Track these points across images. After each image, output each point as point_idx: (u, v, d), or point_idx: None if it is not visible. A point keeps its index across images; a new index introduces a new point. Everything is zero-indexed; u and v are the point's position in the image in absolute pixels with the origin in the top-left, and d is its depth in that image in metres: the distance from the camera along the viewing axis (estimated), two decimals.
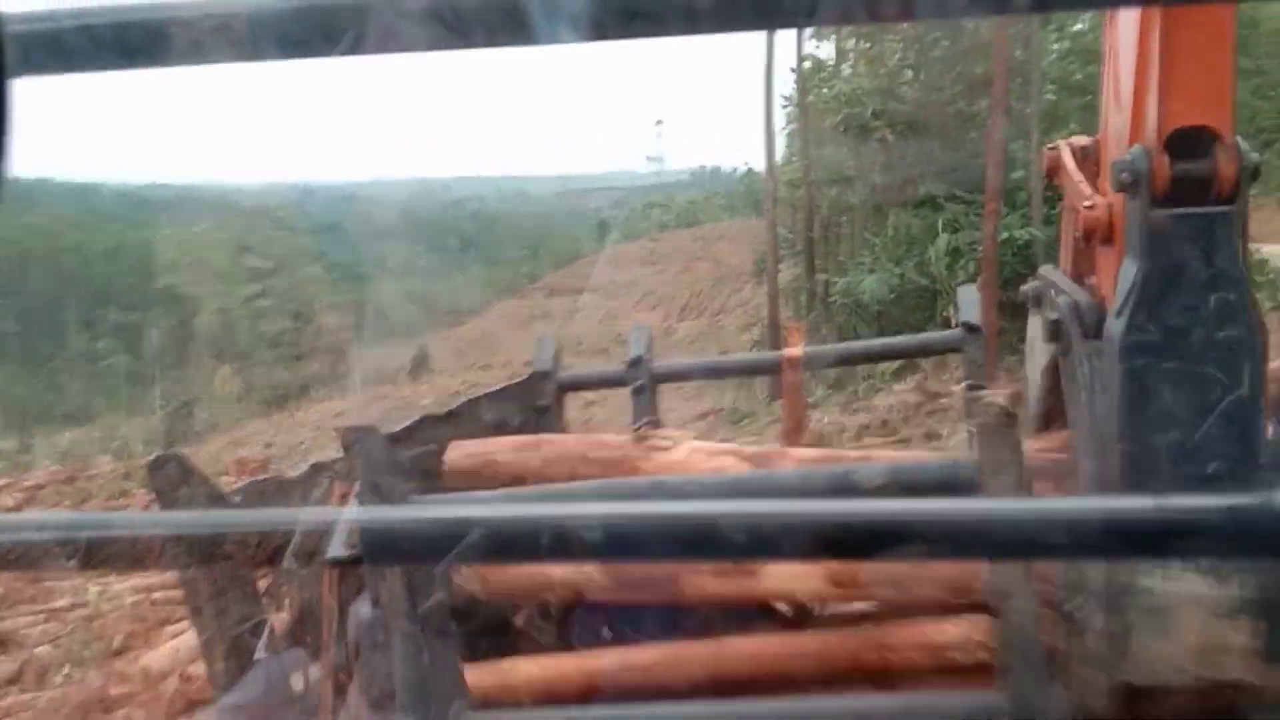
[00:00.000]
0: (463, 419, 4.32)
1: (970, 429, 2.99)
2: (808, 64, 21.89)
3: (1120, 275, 2.72)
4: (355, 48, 0.72)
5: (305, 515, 1.27)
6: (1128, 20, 2.87)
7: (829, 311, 20.20)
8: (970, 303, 5.82)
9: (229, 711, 3.19)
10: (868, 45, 20.71)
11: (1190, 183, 2.60)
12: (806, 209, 21.36)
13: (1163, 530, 0.83)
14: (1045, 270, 3.67)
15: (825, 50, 22.37)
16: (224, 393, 30.71)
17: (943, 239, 18.10)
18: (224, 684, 3.24)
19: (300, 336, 33.55)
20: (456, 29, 0.72)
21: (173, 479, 3.16)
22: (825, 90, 20.95)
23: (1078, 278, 3.33)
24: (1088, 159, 3.46)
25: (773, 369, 7.23)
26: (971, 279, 15.53)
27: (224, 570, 3.11)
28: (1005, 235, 16.85)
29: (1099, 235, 3.05)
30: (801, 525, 0.88)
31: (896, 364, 16.27)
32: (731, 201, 39.63)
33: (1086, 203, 3.16)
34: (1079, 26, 21.58)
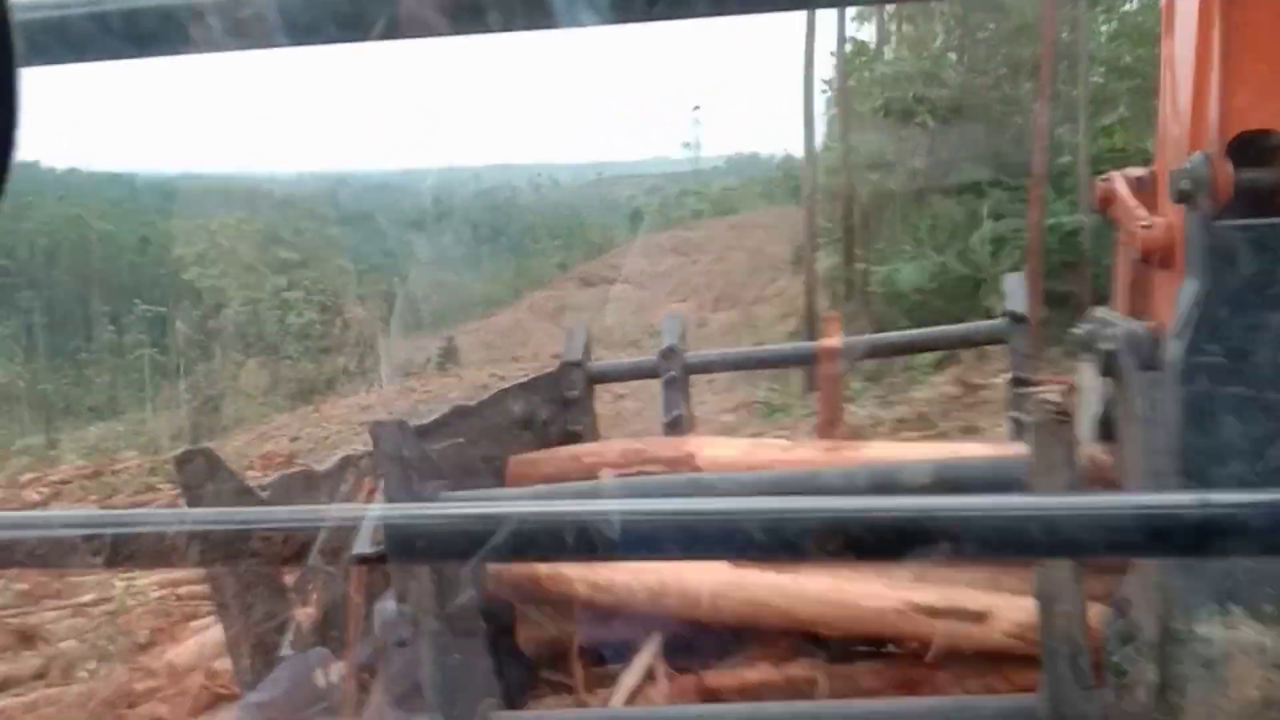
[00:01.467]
0: (491, 411, 4.33)
1: (1014, 420, 3.18)
2: (849, 47, 21.57)
3: (1179, 295, 2.54)
4: (373, 33, 0.72)
5: (331, 512, 1.25)
6: (1186, 17, 2.69)
7: (867, 301, 19.84)
8: (1016, 291, 5.74)
9: (254, 708, 3.17)
10: (910, 27, 20.31)
11: (1256, 192, 2.44)
12: (845, 196, 20.97)
13: (1206, 528, 0.82)
14: (1099, 312, 3.46)
15: (866, 32, 22.07)
16: (251, 386, 30.90)
17: (986, 226, 17.74)
18: (249, 680, 3.24)
19: (328, 329, 33.67)
20: (480, 14, 0.72)
21: (200, 474, 3.12)
22: (866, 74, 20.60)
23: (1134, 316, 3.17)
24: (1144, 190, 3.29)
25: (809, 360, 7.21)
26: (1015, 267, 15.12)
27: (250, 566, 3.05)
28: (1051, 222, 16.44)
29: (1157, 257, 2.91)
30: (828, 524, 0.87)
31: (935, 356, 16.00)
32: (768, 189, 39.27)
33: (1143, 222, 3.01)
34: (1129, 6, 21.10)
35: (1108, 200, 3.44)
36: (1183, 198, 2.50)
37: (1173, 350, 2.51)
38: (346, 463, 3.73)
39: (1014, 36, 19.04)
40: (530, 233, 42.24)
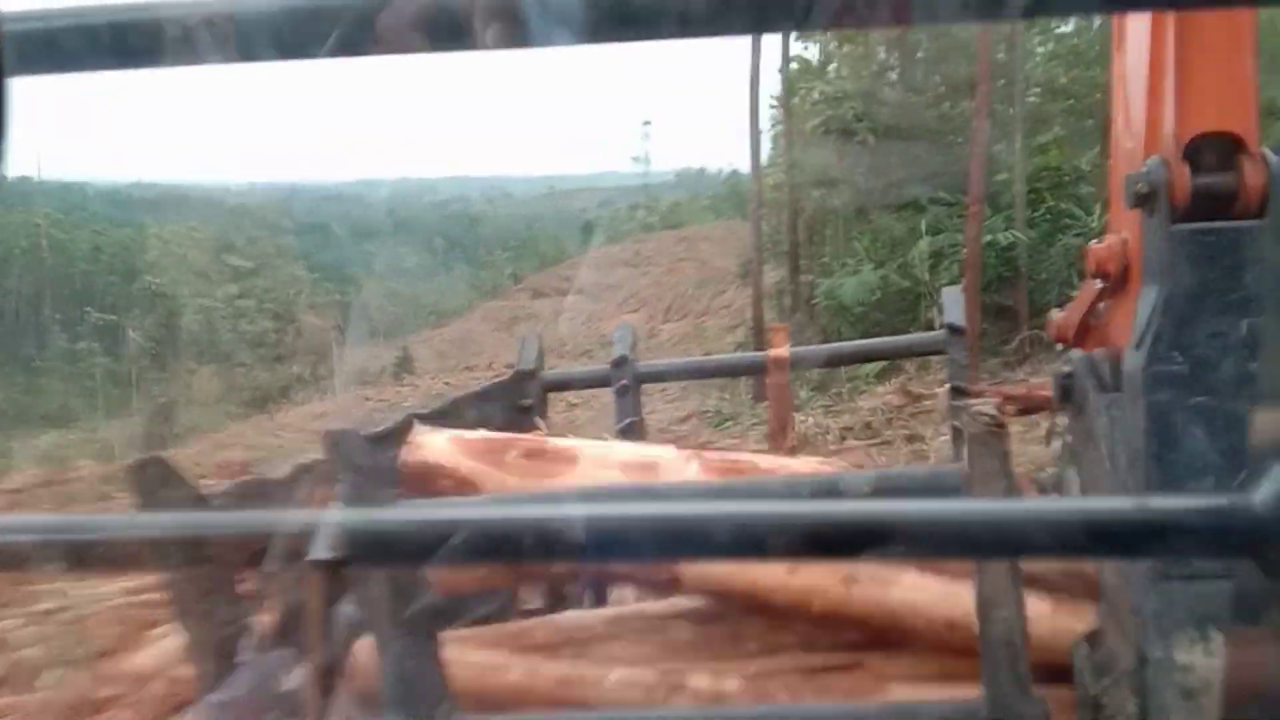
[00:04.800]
0: (446, 419, 4.22)
1: (954, 429, 2.83)
2: (794, 65, 21.95)
3: (1139, 305, 2.44)
4: (349, 49, 0.73)
5: (291, 516, 1.27)
6: (1138, 28, 2.67)
7: (812, 313, 20.23)
8: (954, 304, 5.85)
9: (214, 709, 3.11)
10: (851, 47, 20.74)
11: (1214, 196, 2.36)
12: (791, 211, 21.39)
13: (1143, 530, 0.84)
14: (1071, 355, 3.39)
15: (812, 52, 22.46)
16: (205, 394, 30.53)
17: (925, 241, 18.14)
18: (211, 687, 3.14)
19: (283, 338, 33.38)
20: (450, 32, 0.72)
21: (154, 482, 3.06)
22: (811, 92, 20.97)
23: None
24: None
25: (758, 370, 7.25)
26: (954, 282, 15.56)
27: (209, 572, 3.01)
28: (988, 238, 16.90)
29: (1113, 274, 2.82)
30: (786, 525, 0.88)
31: (879, 366, 16.32)
32: (716, 203, 39.68)
33: (1095, 242, 2.93)
34: (1064, 29, 21.69)
35: (1062, 331, 3.28)
36: (1139, 201, 2.40)
37: (1133, 362, 2.40)
38: (301, 470, 3.61)
39: (952, 57, 19.50)
40: (484, 244, 42.21)
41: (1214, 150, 2.39)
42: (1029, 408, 4.25)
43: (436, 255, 38.91)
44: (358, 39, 0.73)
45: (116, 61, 0.75)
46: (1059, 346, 3.30)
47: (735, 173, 33.86)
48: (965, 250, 16.20)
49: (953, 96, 19.32)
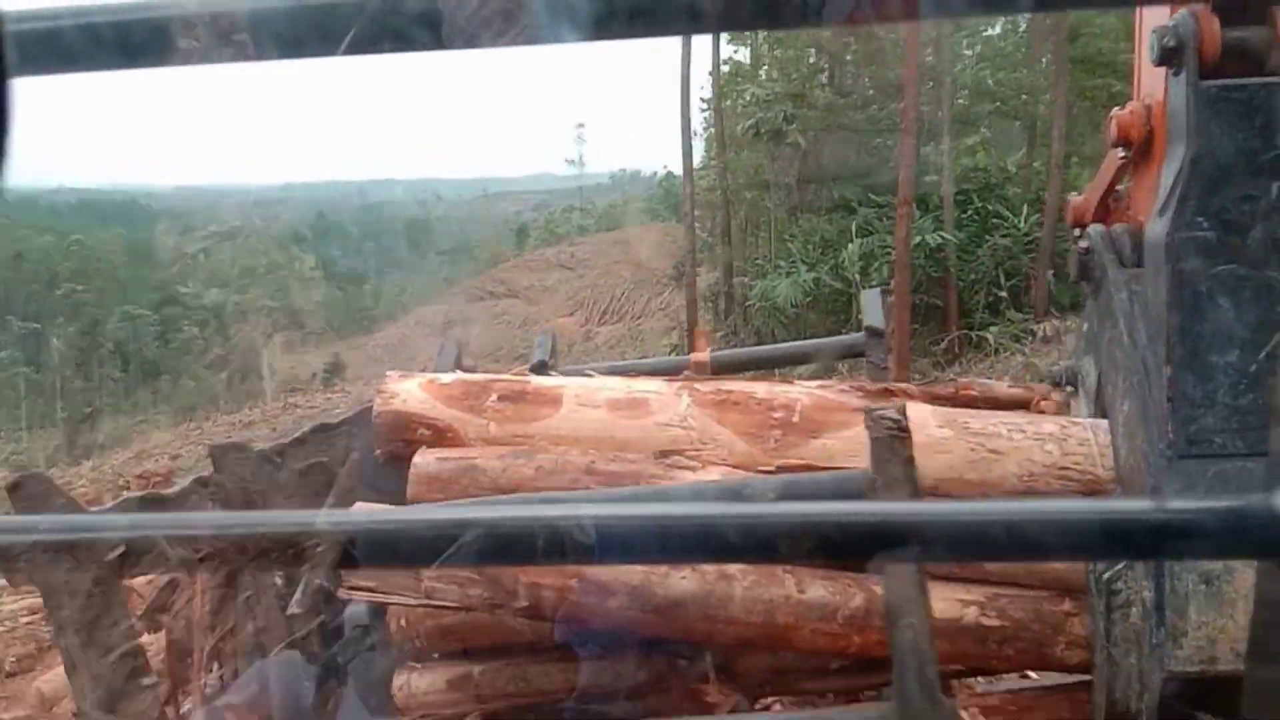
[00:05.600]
0: (355, 428, 4.00)
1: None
2: (726, 68, 22.01)
3: (1164, 168, 2.27)
4: (355, 48, 0.72)
5: (290, 518, 1.27)
6: None
7: (747, 315, 20.32)
8: (874, 306, 5.78)
9: (221, 710, 3.09)
10: (782, 50, 20.85)
11: (1245, 51, 2.18)
12: (724, 213, 21.47)
13: (1161, 532, 0.82)
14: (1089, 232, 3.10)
15: (743, 54, 22.55)
16: (130, 404, 29.96)
17: (856, 243, 18.29)
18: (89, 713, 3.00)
19: (210, 345, 32.83)
20: (455, 29, 0.71)
21: (34, 500, 2.92)
22: (742, 95, 21.06)
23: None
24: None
25: (680, 373, 7.21)
26: (886, 282, 15.72)
27: (90, 589, 2.88)
28: (918, 239, 17.10)
29: (1136, 141, 2.64)
30: (799, 527, 0.87)
31: (813, 367, 16.43)
32: (651, 205, 39.70)
33: (1117, 109, 2.73)
34: (991, 31, 22.02)
35: (1080, 214, 3.16)
36: (1166, 57, 2.22)
37: (1156, 230, 2.23)
38: (198, 485, 3.51)
39: (880, 59, 19.72)
40: (417, 248, 41.82)
41: (1244, 5, 2.23)
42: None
43: (368, 259, 38.46)
44: (363, 38, 0.72)
45: (121, 62, 0.75)
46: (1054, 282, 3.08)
47: (670, 175, 33.87)
48: (895, 252, 16.36)
49: (881, 99, 19.52)
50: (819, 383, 3.12)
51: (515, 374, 3.37)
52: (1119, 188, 3.08)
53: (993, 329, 17.44)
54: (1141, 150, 2.70)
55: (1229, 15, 2.18)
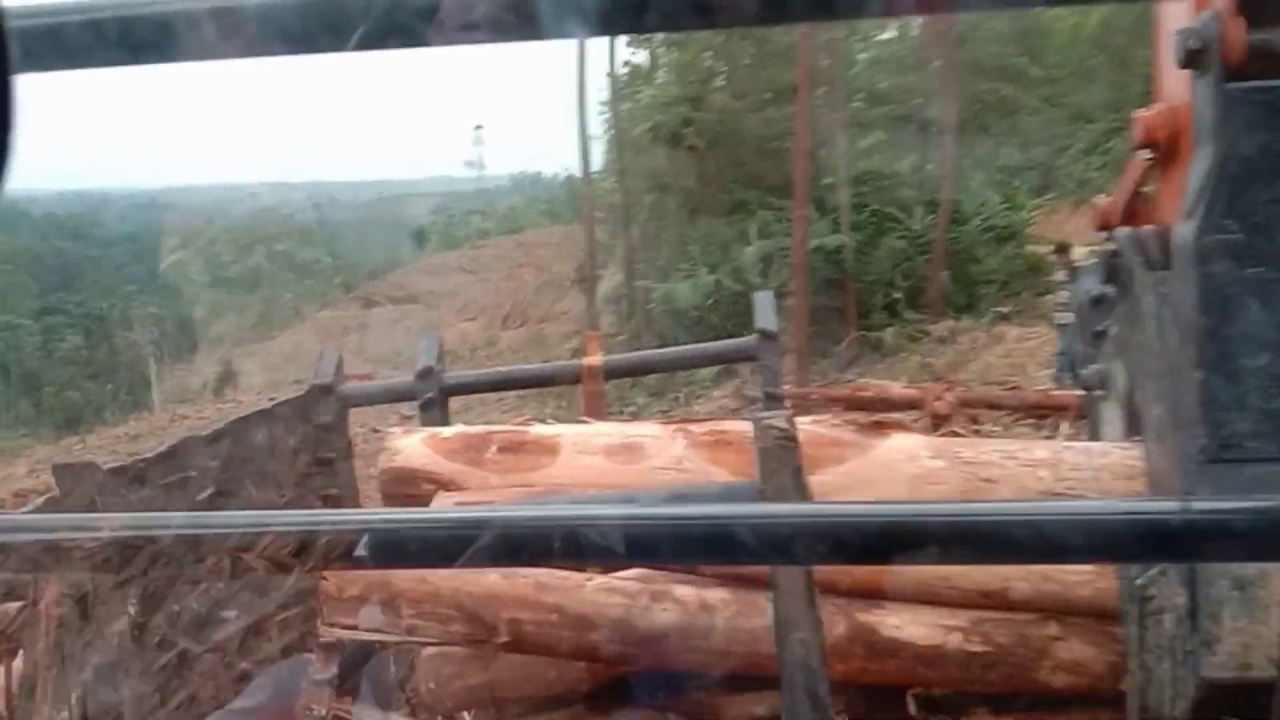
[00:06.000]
0: (229, 440, 3.93)
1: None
2: (625, 70, 21.98)
3: (1191, 171, 2.25)
4: (363, 43, 0.72)
5: (292, 517, 1.19)
6: None
7: (649, 318, 20.29)
8: (766, 309, 5.79)
9: (238, 714, 3.12)
10: (680, 53, 20.89)
11: (1270, 54, 2.16)
12: (624, 216, 21.41)
13: (1189, 534, 0.82)
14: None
15: (641, 57, 22.56)
16: (10, 417, 28.83)
17: (755, 245, 18.37)
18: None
19: (94, 355, 31.75)
20: (465, 25, 0.72)
21: None
22: (639, 97, 21.04)
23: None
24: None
25: (572, 378, 7.14)
26: (783, 285, 15.82)
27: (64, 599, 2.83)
28: (815, 242, 17.22)
29: (1162, 142, 2.62)
30: (816, 528, 0.87)
31: (715, 370, 16.48)
32: (554, 208, 39.53)
33: (1141, 110, 2.71)
34: (886, 35, 22.35)
35: (1106, 217, 3.15)
36: (1190, 60, 2.20)
37: (1184, 233, 2.21)
38: (50, 505, 3.32)
39: (775, 62, 19.83)
40: (312, 252, 40.98)
41: (1271, 2, 2.23)
42: (853, 409, 4.31)
43: (260, 264, 37.53)
44: (371, 34, 0.72)
45: (124, 58, 0.75)
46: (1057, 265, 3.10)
47: (571, 177, 33.76)
48: (792, 254, 16.46)
49: (777, 102, 19.62)
50: (813, 418, 3.15)
51: (516, 424, 3.57)
52: (1144, 190, 3.07)
53: (889, 330, 17.66)
54: (1167, 152, 2.69)
55: (1254, 17, 2.16)
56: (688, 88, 20.21)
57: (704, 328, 18.28)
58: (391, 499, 3.24)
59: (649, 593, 2.93)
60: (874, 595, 2.89)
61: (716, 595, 2.87)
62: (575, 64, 19.96)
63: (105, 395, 29.76)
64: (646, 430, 3.28)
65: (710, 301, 18.77)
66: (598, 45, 20.29)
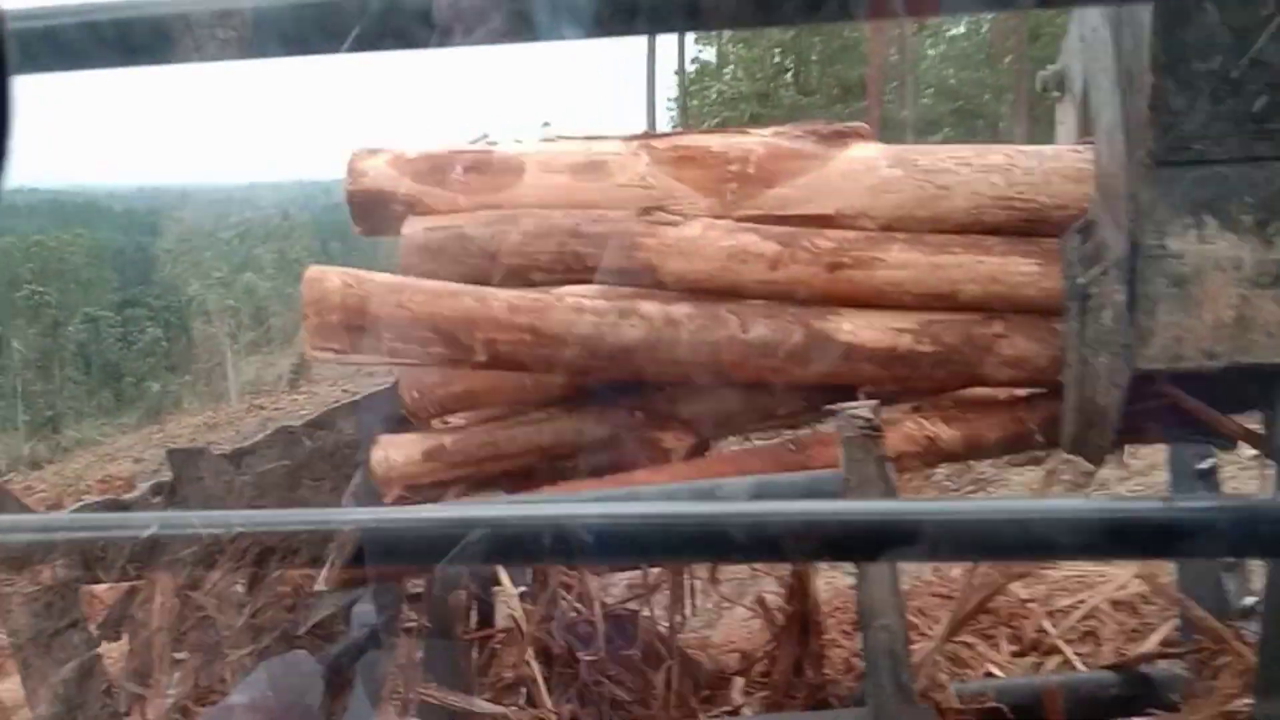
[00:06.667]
0: (319, 432, 3.88)
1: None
2: (693, 67, 22.01)
3: None
4: (361, 45, 0.72)
5: (299, 516, 1.27)
6: None
7: None
8: None
9: (232, 710, 3.01)
10: (747, 49, 20.87)
11: None
12: None
13: (1169, 531, 0.82)
14: None
15: (709, 54, 22.57)
16: (93, 407, 29.60)
17: None
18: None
19: (174, 347, 32.47)
20: (462, 29, 0.72)
21: None
22: (708, 94, 21.06)
23: None
24: None
25: None
26: None
27: (47, 596, 2.84)
28: None
29: None
30: (804, 526, 0.86)
31: None
32: None
33: None
34: (956, 31, 22.11)
35: None
36: None
37: None
38: (156, 491, 3.43)
39: (844, 58, 19.75)
40: (385, 244, 41.46)
41: None
42: None
43: (334, 258, 38.11)
44: (369, 35, 0.73)
45: (122, 59, 0.76)
46: None
47: None
48: None
49: (846, 98, 19.53)
50: (773, 129, 3.02)
51: (483, 142, 3.40)
52: None
53: None
54: None
55: None
56: (756, 84, 20.19)
57: None
58: (363, 224, 3.16)
59: (617, 310, 2.90)
60: (829, 303, 2.83)
61: (681, 310, 2.82)
62: (644, 60, 20.01)
63: (183, 386, 30.41)
64: (610, 148, 3.17)
65: None
66: (666, 41, 20.31)
